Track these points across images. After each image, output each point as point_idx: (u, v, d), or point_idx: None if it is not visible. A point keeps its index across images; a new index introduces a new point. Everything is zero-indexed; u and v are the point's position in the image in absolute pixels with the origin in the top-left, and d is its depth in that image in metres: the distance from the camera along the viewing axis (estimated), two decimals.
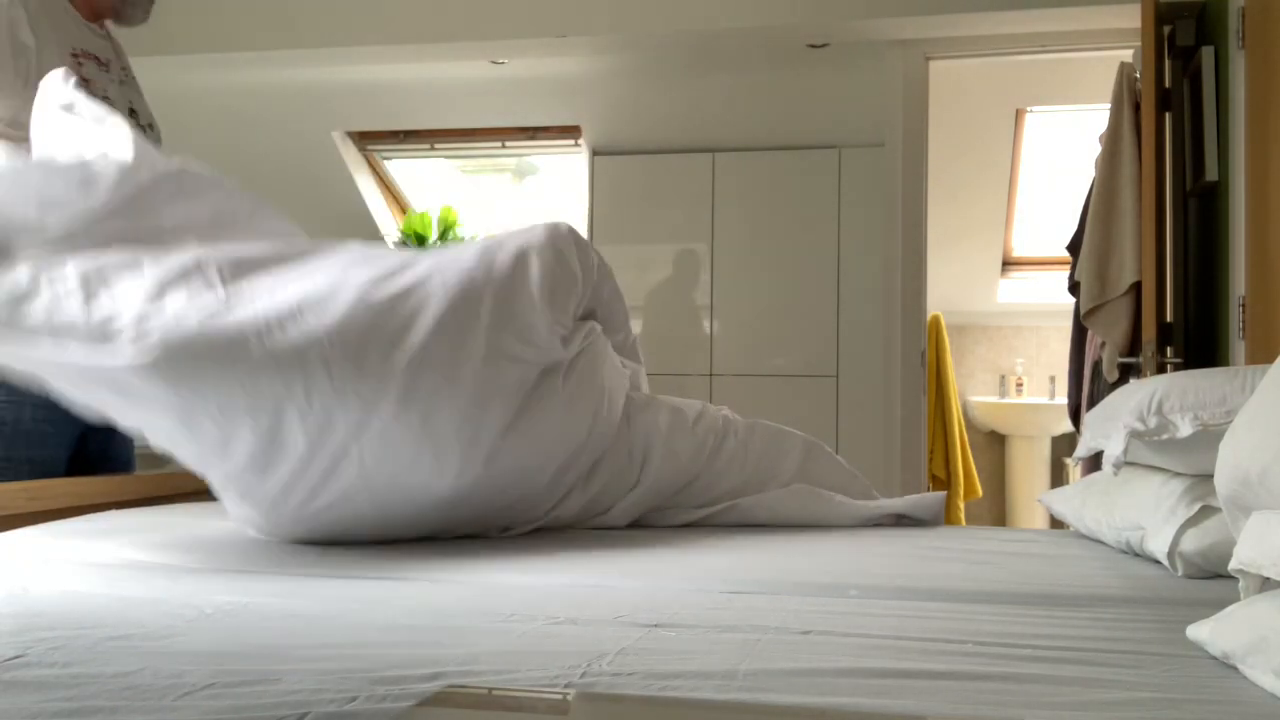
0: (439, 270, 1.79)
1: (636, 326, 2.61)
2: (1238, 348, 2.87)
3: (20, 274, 1.61)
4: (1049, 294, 5.08)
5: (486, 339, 1.80)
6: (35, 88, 2.10)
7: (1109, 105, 3.42)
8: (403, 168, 5.39)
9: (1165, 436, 1.73)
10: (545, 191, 5.62)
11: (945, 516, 2.42)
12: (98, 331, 1.58)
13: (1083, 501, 2.09)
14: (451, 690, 1.01)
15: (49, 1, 2.36)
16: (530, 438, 1.94)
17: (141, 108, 2.52)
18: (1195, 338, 3.28)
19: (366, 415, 1.71)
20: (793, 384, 4.52)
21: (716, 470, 2.28)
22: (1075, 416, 3.76)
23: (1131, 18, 3.32)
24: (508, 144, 5.13)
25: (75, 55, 2.37)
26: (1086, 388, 3.63)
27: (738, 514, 2.26)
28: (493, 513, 2.01)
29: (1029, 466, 5.37)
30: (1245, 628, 1.13)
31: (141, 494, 2.43)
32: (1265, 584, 1.21)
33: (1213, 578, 1.65)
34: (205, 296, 1.62)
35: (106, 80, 2.43)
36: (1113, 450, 1.81)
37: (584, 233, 4.80)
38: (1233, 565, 1.24)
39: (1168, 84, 3.31)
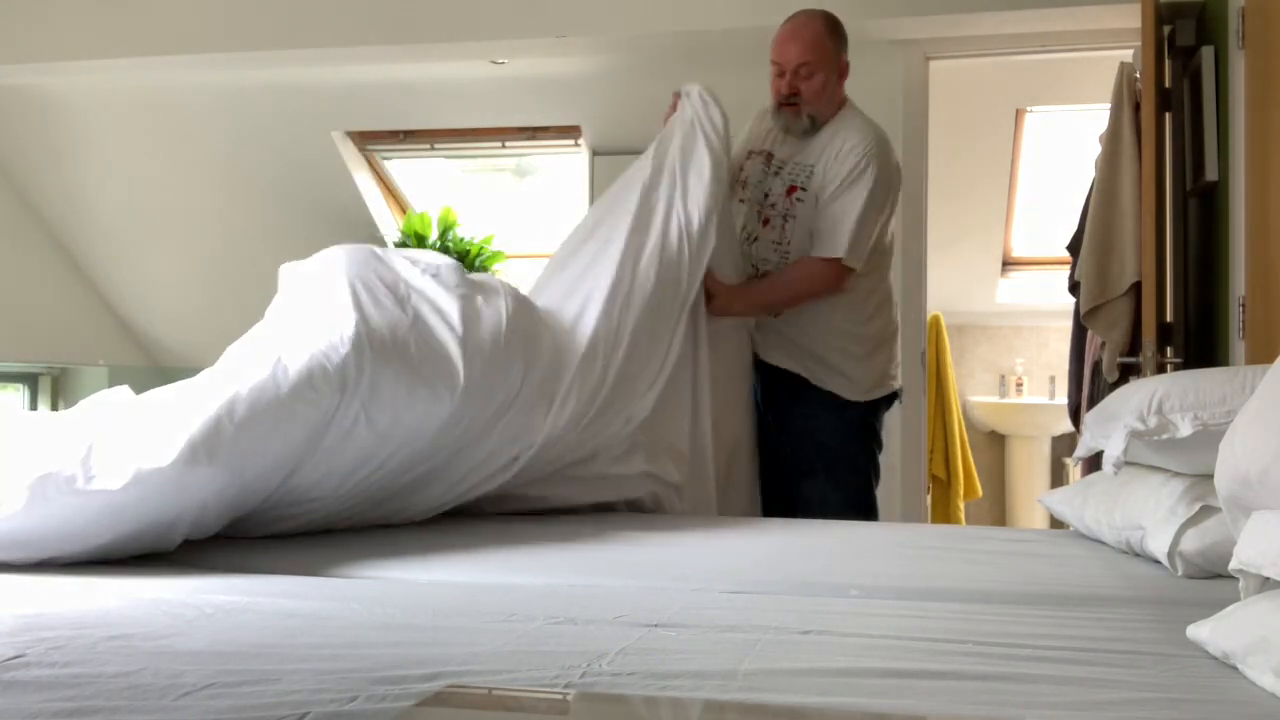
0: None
1: None
2: (1238, 348, 2.86)
3: None
4: (1049, 294, 5.07)
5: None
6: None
7: (1109, 105, 3.42)
8: (403, 168, 5.39)
9: (1165, 436, 1.73)
10: (545, 191, 5.62)
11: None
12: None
13: (1083, 501, 2.09)
14: (451, 690, 1.01)
15: (768, 113, 2.98)
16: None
17: (774, 188, 2.93)
18: (1195, 338, 3.28)
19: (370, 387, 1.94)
20: None
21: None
22: (1075, 416, 3.75)
23: (1131, 18, 3.31)
24: (508, 144, 5.12)
25: (751, 153, 2.98)
26: (1086, 388, 3.62)
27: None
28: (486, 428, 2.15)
29: (1029, 466, 5.37)
30: (1245, 628, 1.13)
31: None
32: (1265, 584, 1.21)
33: (1213, 578, 1.64)
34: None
35: (757, 169, 2.97)
36: (1113, 450, 1.81)
37: None
38: (1233, 565, 1.24)
39: (1168, 84, 3.31)
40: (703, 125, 2.79)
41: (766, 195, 2.94)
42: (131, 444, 1.67)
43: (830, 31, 2.87)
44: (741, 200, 2.97)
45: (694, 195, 2.68)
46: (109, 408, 1.88)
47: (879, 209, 2.83)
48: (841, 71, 2.92)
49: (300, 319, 2.03)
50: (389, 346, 1.98)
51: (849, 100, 2.96)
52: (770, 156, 2.96)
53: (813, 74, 2.83)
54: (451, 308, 2.17)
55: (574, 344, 2.39)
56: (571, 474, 2.41)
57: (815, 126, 2.90)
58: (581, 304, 2.49)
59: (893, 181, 2.90)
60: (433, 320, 2.13)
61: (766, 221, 2.90)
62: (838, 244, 2.78)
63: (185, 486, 1.67)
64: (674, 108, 2.91)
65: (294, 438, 1.81)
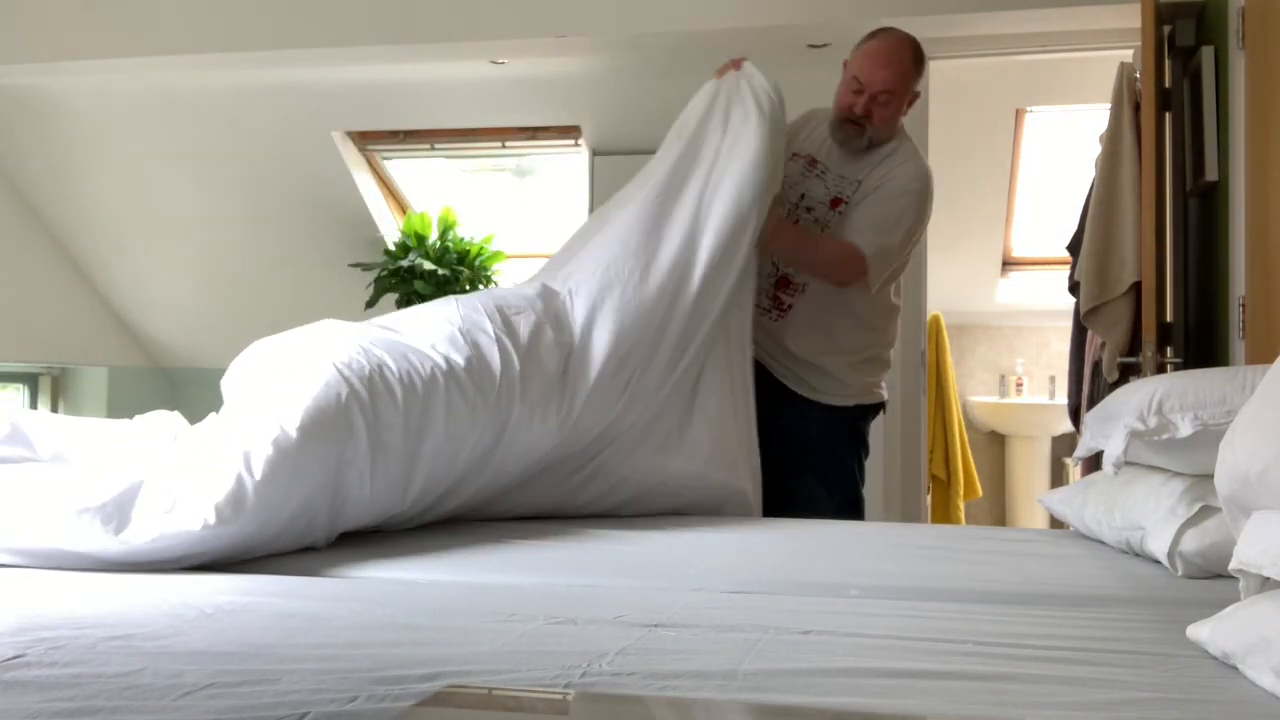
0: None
1: None
2: (1238, 348, 2.86)
3: None
4: (1049, 294, 5.07)
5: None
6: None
7: (1109, 105, 3.42)
8: (403, 168, 5.39)
9: (1165, 436, 1.73)
10: (545, 191, 5.62)
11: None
12: None
13: (1083, 501, 2.09)
14: (451, 690, 1.01)
15: (818, 119, 2.98)
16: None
17: (814, 191, 2.90)
18: (1195, 338, 3.28)
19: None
20: None
21: None
22: (1075, 416, 3.75)
23: (1131, 18, 3.31)
24: (508, 144, 5.12)
25: (794, 156, 2.93)
26: (1086, 388, 3.62)
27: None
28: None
29: (1029, 466, 5.37)
30: (1245, 628, 1.13)
31: None
32: (1265, 584, 1.21)
33: (1213, 578, 1.65)
34: None
35: (798, 171, 2.92)
36: (1113, 450, 1.81)
37: None
38: (1233, 565, 1.24)
39: (1168, 84, 3.30)
40: (759, 101, 2.76)
41: (803, 197, 2.90)
42: (166, 495, 1.71)
43: (916, 64, 2.85)
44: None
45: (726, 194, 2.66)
46: (162, 442, 1.97)
47: (906, 240, 2.84)
48: (911, 101, 2.90)
49: (297, 367, 2.04)
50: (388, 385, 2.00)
51: (903, 128, 2.93)
52: (814, 161, 2.93)
53: (889, 102, 2.80)
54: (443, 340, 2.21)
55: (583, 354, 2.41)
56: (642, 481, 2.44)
57: (870, 148, 2.88)
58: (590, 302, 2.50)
59: (926, 218, 2.91)
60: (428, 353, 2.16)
61: (797, 224, 2.86)
62: (869, 243, 2.75)
63: (208, 539, 1.71)
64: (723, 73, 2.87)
65: (315, 480, 1.83)
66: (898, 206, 2.80)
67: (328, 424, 1.86)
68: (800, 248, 2.82)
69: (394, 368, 2.04)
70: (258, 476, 1.73)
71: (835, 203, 2.86)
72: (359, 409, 1.91)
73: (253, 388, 2.04)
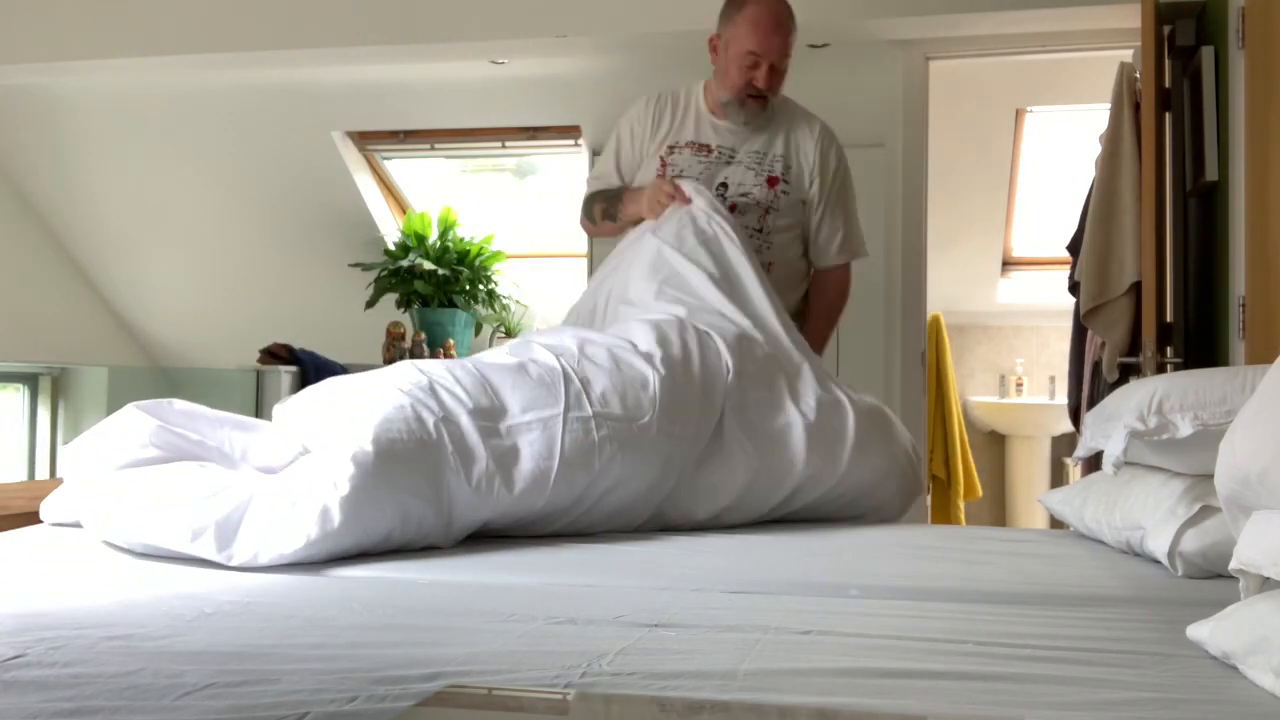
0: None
1: None
2: (1238, 348, 2.86)
3: None
4: (1049, 294, 5.07)
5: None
6: (632, 177, 2.92)
7: (1109, 105, 3.42)
8: (403, 168, 5.39)
9: (1165, 436, 1.73)
10: (545, 191, 5.62)
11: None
12: None
13: (1083, 501, 2.09)
14: (451, 690, 1.01)
15: (681, 105, 2.91)
16: None
17: (738, 178, 2.88)
18: (1195, 338, 3.28)
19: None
20: None
21: None
22: (1075, 416, 3.76)
23: (1131, 18, 3.32)
24: (508, 144, 5.13)
25: (673, 148, 2.88)
26: (1086, 388, 3.63)
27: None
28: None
29: (1029, 466, 5.37)
30: (1245, 628, 1.13)
31: None
32: (1265, 584, 1.21)
33: (1213, 578, 1.64)
34: None
35: (694, 162, 2.86)
36: (1113, 450, 1.81)
37: (584, 232, 4.80)
38: (1233, 565, 1.24)
39: (1168, 84, 3.31)
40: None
41: (725, 184, 2.84)
42: (267, 520, 1.72)
43: (794, 22, 2.86)
44: None
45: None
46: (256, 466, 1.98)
47: (852, 201, 2.99)
48: None
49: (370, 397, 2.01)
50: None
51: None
52: (706, 147, 2.86)
53: (785, 67, 2.83)
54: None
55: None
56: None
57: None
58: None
59: (846, 163, 2.99)
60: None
61: (734, 208, 2.80)
62: (859, 245, 2.97)
63: (305, 558, 1.73)
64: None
65: (401, 498, 1.82)
66: (848, 191, 2.94)
67: (401, 439, 1.85)
68: (827, 335, 2.98)
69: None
70: (340, 516, 1.73)
71: (772, 182, 2.86)
72: (432, 416, 1.90)
73: (327, 419, 2.02)
